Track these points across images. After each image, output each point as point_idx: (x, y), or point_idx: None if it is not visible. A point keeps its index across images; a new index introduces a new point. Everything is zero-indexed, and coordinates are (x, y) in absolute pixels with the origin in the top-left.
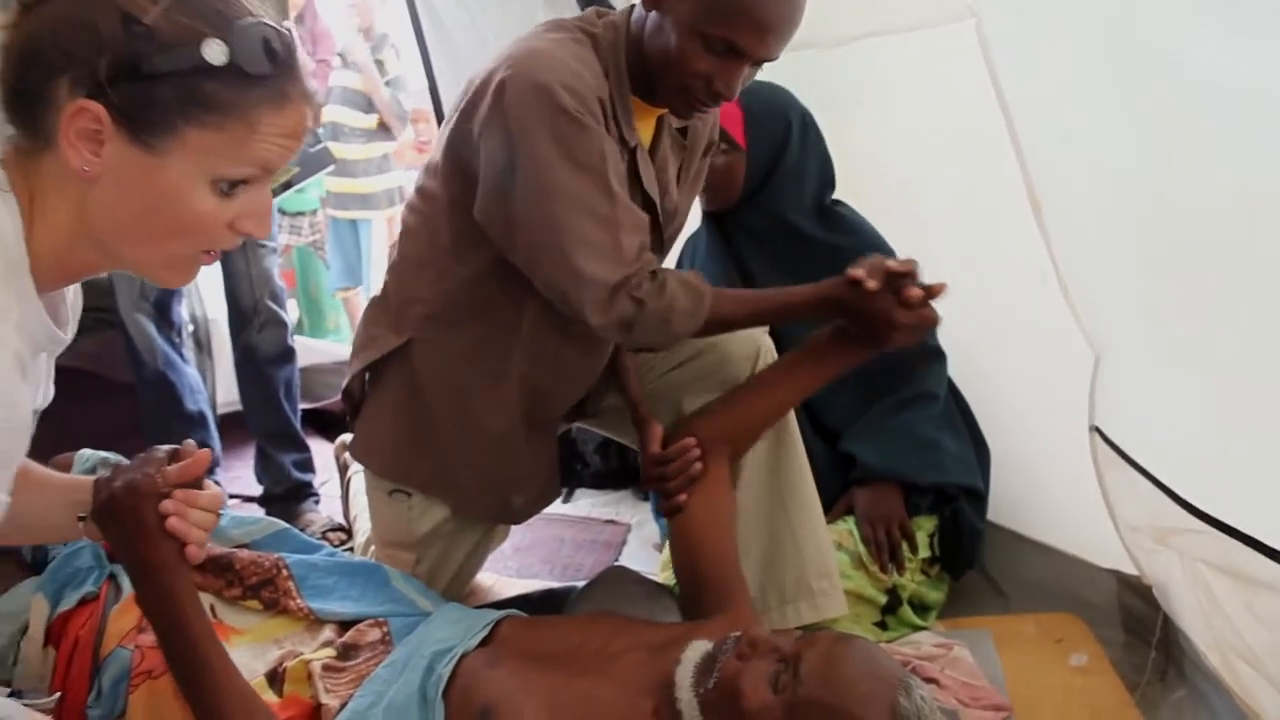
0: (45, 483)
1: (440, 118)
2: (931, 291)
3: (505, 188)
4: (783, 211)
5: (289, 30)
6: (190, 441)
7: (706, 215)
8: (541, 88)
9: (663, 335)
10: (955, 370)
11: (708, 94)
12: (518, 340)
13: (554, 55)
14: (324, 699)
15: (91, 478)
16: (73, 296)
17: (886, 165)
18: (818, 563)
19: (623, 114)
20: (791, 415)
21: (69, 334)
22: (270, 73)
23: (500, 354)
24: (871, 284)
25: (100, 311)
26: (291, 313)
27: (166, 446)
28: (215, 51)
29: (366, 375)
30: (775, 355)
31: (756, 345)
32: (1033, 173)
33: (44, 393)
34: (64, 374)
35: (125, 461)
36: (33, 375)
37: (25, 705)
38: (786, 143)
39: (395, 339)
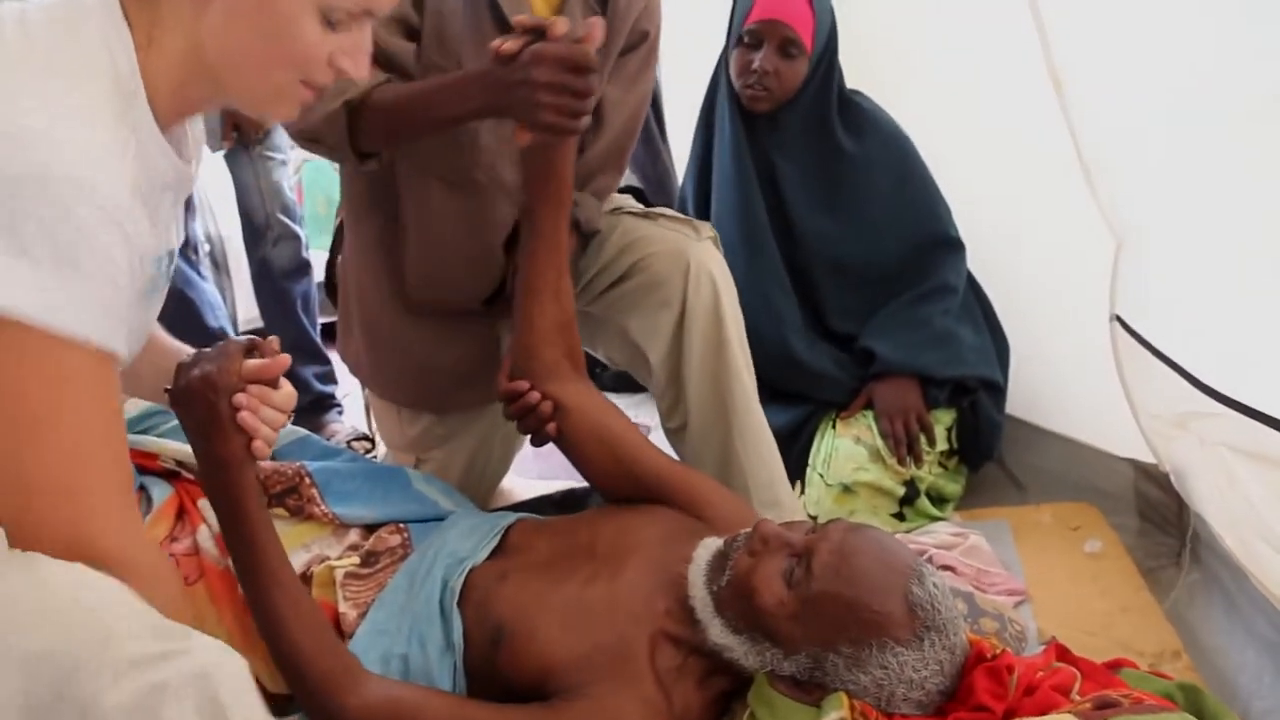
0: (151, 343)
1: None
2: (585, 36)
3: None
4: (816, 107)
5: None
6: (274, 337)
7: (737, 111)
8: None
9: (315, 114)
10: (974, 262)
11: None
12: (404, 209)
13: None
14: (342, 608)
15: (183, 350)
16: (199, 135)
17: (900, 46)
18: (766, 490)
19: None
20: (732, 337)
21: (196, 170)
22: None
23: (386, 226)
24: (509, 45)
25: None
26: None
27: (245, 338)
28: None
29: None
30: (709, 269)
31: (685, 259)
32: (1054, 47)
33: (177, 233)
34: None
35: None
36: (162, 215)
37: None
38: (830, 40)
39: (336, 223)
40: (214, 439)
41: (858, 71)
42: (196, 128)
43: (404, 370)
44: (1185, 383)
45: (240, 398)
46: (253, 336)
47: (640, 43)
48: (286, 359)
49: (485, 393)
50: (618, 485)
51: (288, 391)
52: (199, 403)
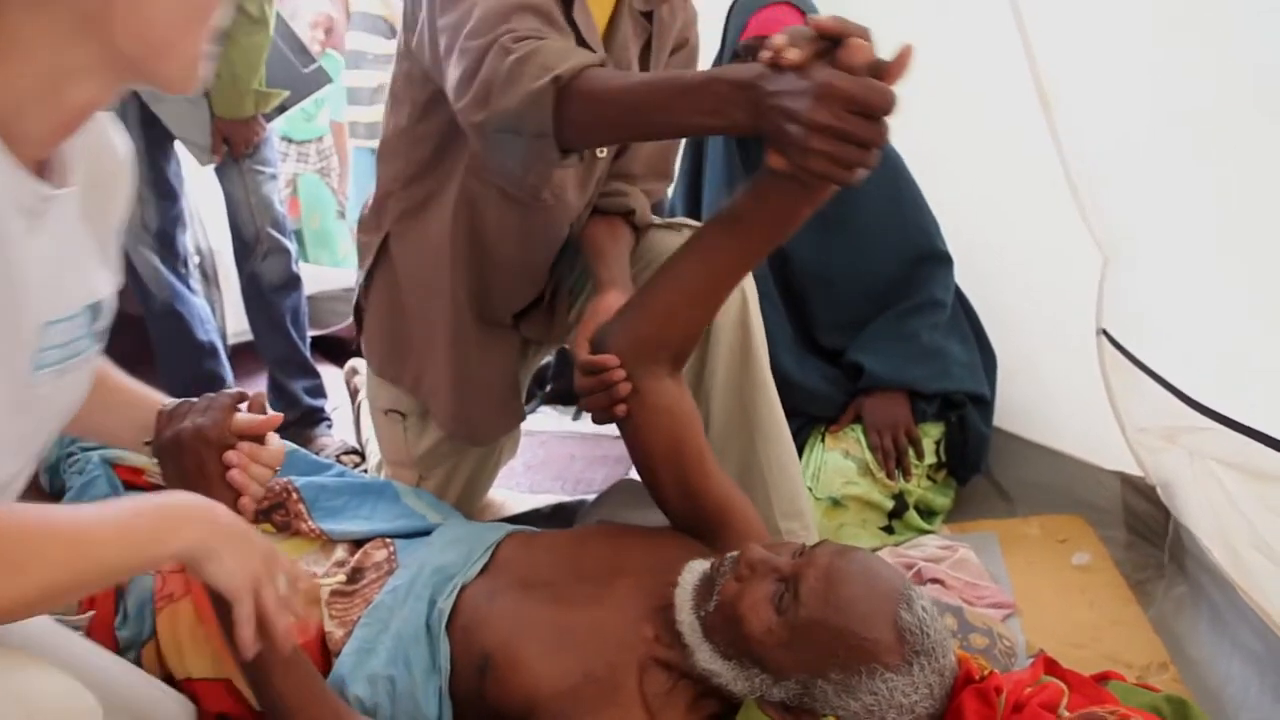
0: (119, 396)
1: None
2: (891, 67)
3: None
4: None
5: None
6: (261, 392)
7: None
8: None
9: (514, 92)
10: (962, 276)
11: None
12: (457, 220)
13: None
14: (328, 626)
15: (157, 399)
16: (118, 159)
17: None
18: (788, 502)
19: None
20: (758, 349)
21: (71, 184)
22: None
23: (445, 236)
24: (793, 54)
25: None
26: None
27: (233, 390)
28: None
29: (367, 285)
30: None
31: None
32: (1040, 66)
33: (97, 283)
34: None
35: None
36: (21, 252)
37: (58, 623)
38: None
39: (377, 237)
40: (200, 493)
41: None
42: (109, 151)
43: (447, 379)
44: (1173, 398)
45: (231, 455)
46: (242, 390)
47: (682, 46)
48: (279, 417)
49: (512, 416)
50: (663, 485)
51: (276, 448)
52: (188, 456)
